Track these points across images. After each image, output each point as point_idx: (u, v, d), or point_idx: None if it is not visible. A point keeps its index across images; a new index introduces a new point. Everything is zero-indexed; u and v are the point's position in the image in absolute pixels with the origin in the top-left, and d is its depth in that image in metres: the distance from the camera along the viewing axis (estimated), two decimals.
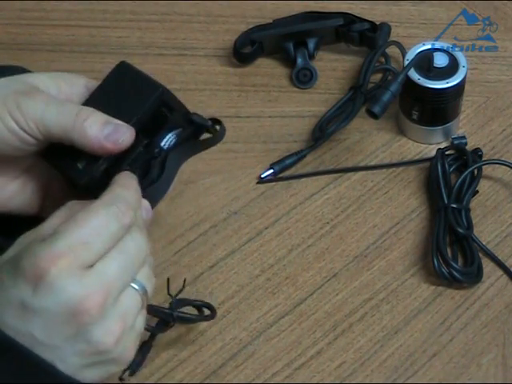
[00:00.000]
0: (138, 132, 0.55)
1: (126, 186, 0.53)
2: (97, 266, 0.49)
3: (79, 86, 0.58)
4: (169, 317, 0.60)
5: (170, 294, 0.61)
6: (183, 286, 0.62)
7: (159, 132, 0.57)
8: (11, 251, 0.50)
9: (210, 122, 0.59)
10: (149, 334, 0.60)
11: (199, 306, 0.62)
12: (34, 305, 0.47)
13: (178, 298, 0.61)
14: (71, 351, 0.48)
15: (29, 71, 0.61)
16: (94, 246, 0.49)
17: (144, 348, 0.60)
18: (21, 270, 0.48)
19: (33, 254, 0.48)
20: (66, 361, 0.49)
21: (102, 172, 0.55)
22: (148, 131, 0.56)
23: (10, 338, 0.47)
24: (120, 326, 0.49)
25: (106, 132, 0.53)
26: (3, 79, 0.56)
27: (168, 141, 0.58)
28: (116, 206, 0.51)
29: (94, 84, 0.58)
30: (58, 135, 0.54)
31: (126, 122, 0.55)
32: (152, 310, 0.58)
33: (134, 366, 0.59)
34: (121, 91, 0.57)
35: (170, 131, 0.58)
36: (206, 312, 0.62)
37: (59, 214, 0.51)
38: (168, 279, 0.61)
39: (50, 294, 0.47)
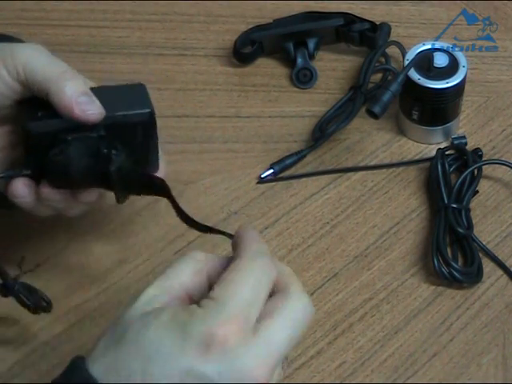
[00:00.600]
0: (105, 124, 0.57)
1: (255, 238, 0.50)
2: (262, 331, 0.46)
3: None
4: (10, 285, 0.59)
5: (20, 269, 0.61)
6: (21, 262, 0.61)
7: (120, 143, 0.58)
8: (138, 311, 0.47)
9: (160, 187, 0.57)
10: None
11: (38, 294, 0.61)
12: (206, 372, 0.44)
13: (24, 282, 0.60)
14: None
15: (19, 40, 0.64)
16: (256, 305, 0.47)
17: None
18: (191, 336, 0.45)
19: (203, 321, 0.45)
20: None
21: (54, 132, 0.56)
22: (114, 132, 0.57)
23: None
24: None
25: (80, 100, 0.56)
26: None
27: (117, 153, 0.57)
28: (261, 259, 0.48)
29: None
30: (39, 84, 0.56)
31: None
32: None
33: None
34: (117, 95, 0.59)
35: (124, 151, 0.57)
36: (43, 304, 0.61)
37: (188, 271, 0.49)
38: (23, 257, 0.62)
39: (223, 360, 0.45)
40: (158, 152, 0.61)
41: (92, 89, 0.58)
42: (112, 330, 0.47)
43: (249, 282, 0.47)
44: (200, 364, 0.44)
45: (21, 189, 0.58)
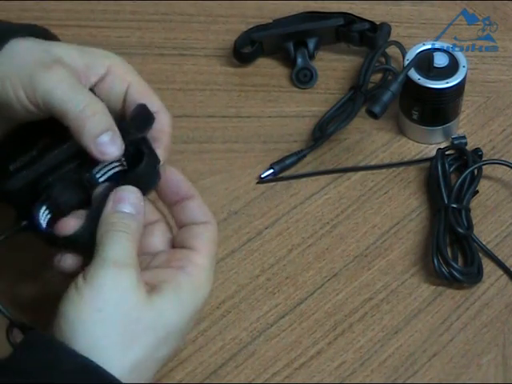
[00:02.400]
0: (78, 150, 0.55)
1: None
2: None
3: (101, 66, 0.59)
4: None
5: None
6: None
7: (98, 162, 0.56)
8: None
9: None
10: None
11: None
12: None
13: None
14: None
15: (53, 35, 0.62)
16: None
17: None
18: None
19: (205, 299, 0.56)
20: None
21: (30, 180, 0.55)
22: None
23: None
24: None
25: (100, 141, 0.54)
26: (29, 43, 0.57)
27: (103, 174, 0.56)
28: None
29: (117, 67, 0.59)
30: (59, 116, 0.54)
31: None
32: (25, 329, 0.56)
33: None
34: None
35: (108, 166, 0.56)
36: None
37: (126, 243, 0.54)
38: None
39: None
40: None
41: None
42: (123, 328, 0.51)
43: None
44: (192, 324, 0.56)
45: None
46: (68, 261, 0.55)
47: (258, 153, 0.76)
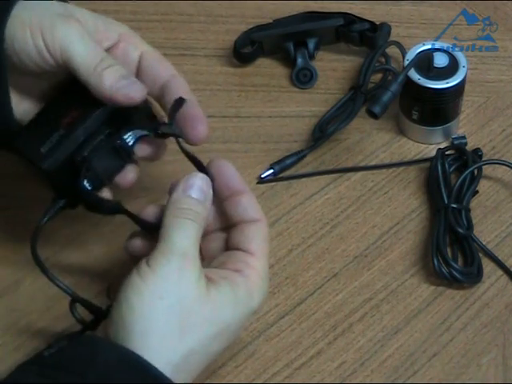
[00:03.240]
0: (103, 121, 0.57)
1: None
2: None
3: (114, 32, 0.60)
4: (103, 315, 0.59)
5: (108, 297, 0.60)
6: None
7: (124, 126, 0.58)
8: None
9: (176, 130, 0.58)
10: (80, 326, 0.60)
11: None
12: None
13: None
14: None
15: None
16: None
17: None
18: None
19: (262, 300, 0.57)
20: None
21: (65, 157, 0.56)
22: (113, 122, 0.57)
23: None
24: None
25: (120, 85, 0.56)
26: (51, 2, 0.58)
27: (130, 136, 0.58)
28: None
29: (130, 36, 0.60)
30: (75, 69, 0.56)
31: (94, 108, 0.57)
32: (87, 305, 0.58)
33: None
34: None
35: (134, 129, 0.58)
36: None
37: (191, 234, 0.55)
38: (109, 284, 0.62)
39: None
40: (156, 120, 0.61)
41: None
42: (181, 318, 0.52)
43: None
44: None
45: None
46: (137, 244, 0.58)
47: (257, 153, 0.76)
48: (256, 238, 0.57)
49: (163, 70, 0.61)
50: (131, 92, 0.56)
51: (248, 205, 0.58)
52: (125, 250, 0.59)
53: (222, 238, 0.59)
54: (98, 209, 0.59)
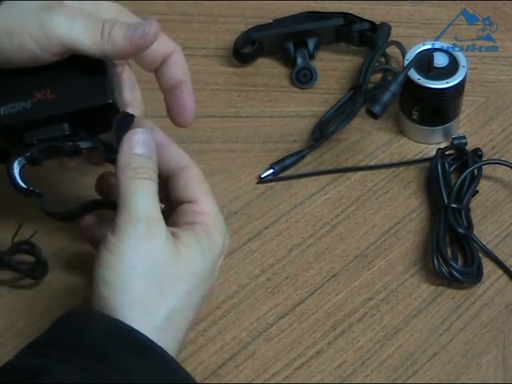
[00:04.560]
0: (69, 121, 0.57)
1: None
2: None
3: (108, 13, 0.58)
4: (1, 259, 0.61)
5: (12, 239, 0.63)
6: (17, 231, 0.64)
7: (84, 129, 0.58)
8: None
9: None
10: None
11: (38, 259, 0.65)
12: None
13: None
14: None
15: None
16: None
17: None
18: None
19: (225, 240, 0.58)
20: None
21: (16, 131, 0.57)
22: (77, 123, 0.58)
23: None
24: None
25: (131, 32, 0.55)
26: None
27: (83, 145, 0.58)
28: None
29: (122, 14, 0.59)
30: (85, 49, 0.55)
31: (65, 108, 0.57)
32: None
33: None
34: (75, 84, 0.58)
35: (88, 140, 0.58)
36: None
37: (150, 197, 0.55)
38: (20, 225, 0.64)
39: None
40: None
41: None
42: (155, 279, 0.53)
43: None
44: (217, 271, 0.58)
45: None
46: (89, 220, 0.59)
47: (257, 153, 0.76)
48: (191, 185, 0.57)
49: (161, 45, 0.61)
50: (145, 29, 0.55)
51: (170, 156, 0.58)
52: (78, 230, 0.60)
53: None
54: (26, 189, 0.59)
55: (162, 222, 0.53)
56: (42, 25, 0.54)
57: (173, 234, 0.54)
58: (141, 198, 0.53)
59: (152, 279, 0.52)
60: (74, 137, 0.58)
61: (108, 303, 0.51)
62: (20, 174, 0.57)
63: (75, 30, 0.54)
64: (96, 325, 0.50)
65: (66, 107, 0.57)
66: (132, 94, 0.62)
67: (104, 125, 0.59)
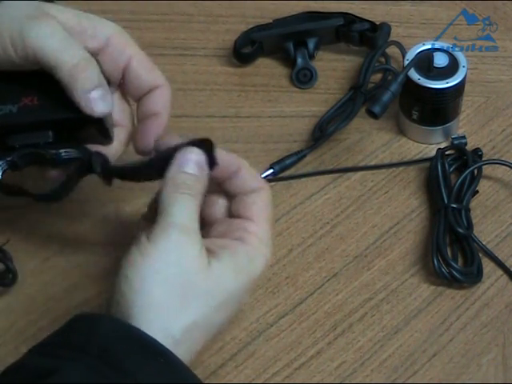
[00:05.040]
0: (53, 129, 0.57)
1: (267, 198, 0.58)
2: None
3: (101, 33, 0.60)
4: None
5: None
6: (5, 243, 0.64)
7: (66, 138, 0.58)
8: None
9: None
10: None
11: (7, 266, 0.64)
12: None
13: None
14: None
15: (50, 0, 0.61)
16: None
17: None
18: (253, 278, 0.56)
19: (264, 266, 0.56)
20: None
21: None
22: (61, 131, 0.58)
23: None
24: None
25: (92, 96, 0.56)
26: (21, 2, 0.57)
27: (67, 153, 0.58)
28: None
29: (119, 38, 0.59)
30: (50, 70, 0.55)
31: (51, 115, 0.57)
32: None
33: None
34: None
35: (72, 149, 0.58)
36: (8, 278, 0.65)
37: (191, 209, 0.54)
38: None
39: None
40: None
41: None
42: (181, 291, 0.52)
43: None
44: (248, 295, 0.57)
45: None
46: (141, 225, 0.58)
47: (257, 153, 0.76)
48: (255, 204, 0.57)
49: (148, 78, 0.61)
50: (97, 107, 0.56)
51: (246, 177, 0.57)
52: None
53: (224, 205, 0.59)
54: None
55: (197, 235, 0.53)
56: (21, 33, 0.54)
57: (210, 248, 0.54)
58: (179, 209, 0.53)
59: (174, 287, 0.52)
60: (58, 145, 0.58)
61: (126, 302, 0.51)
62: (1, 177, 0.57)
63: (51, 45, 0.55)
64: (105, 327, 0.50)
65: (51, 115, 0.57)
66: (122, 115, 0.62)
67: (91, 136, 0.59)
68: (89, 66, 0.56)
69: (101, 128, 0.58)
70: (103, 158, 0.58)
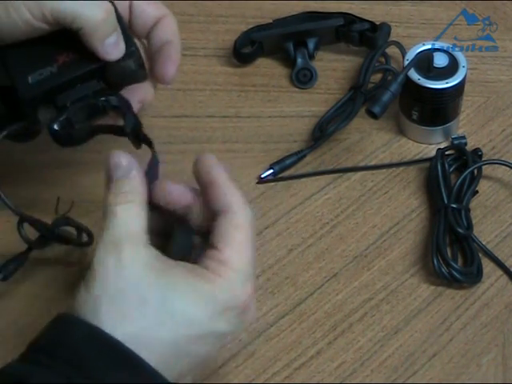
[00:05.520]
0: (101, 77, 0.58)
1: (234, 187, 0.55)
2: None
3: None
4: (49, 233, 0.61)
5: (56, 212, 0.62)
6: (70, 208, 0.64)
7: (111, 84, 0.59)
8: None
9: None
10: (26, 246, 0.62)
11: (79, 227, 0.64)
12: (227, 329, 0.52)
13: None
14: None
15: None
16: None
17: (19, 258, 0.63)
18: (218, 305, 0.51)
19: (227, 290, 0.52)
20: None
21: (48, 97, 0.57)
22: (103, 77, 0.58)
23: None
24: None
25: (108, 42, 0.57)
26: None
27: (115, 100, 0.59)
28: (250, 212, 0.54)
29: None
30: (70, 23, 0.56)
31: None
32: (34, 222, 0.60)
33: (7, 273, 0.62)
34: None
35: (119, 94, 0.59)
36: (85, 238, 0.65)
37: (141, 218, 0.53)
38: (58, 198, 0.64)
39: (241, 317, 0.53)
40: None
41: None
42: (125, 297, 0.50)
43: (250, 240, 0.53)
44: (223, 326, 0.52)
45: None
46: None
47: (257, 153, 0.76)
48: (218, 230, 0.53)
49: (153, 10, 0.62)
50: (113, 52, 0.57)
51: (214, 196, 0.54)
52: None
53: None
54: (70, 142, 0.59)
55: (139, 244, 0.51)
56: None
57: (171, 264, 0.52)
58: (113, 223, 0.52)
59: (115, 303, 0.50)
60: (103, 94, 0.58)
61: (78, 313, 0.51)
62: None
63: (65, 4, 0.56)
64: (77, 331, 0.49)
65: (92, 64, 0.58)
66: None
67: (129, 75, 0.59)
68: (107, 12, 0.57)
69: (137, 60, 0.59)
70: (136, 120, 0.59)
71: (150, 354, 0.49)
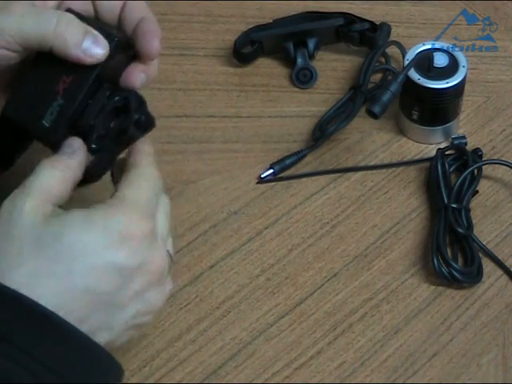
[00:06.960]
0: (102, 81, 0.57)
1: (150, 151, 0.58)
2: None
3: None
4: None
5: None
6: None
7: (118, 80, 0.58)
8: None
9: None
10: None
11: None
12: (126, 262, 0.52)
13: None
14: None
15: None
16: (154, 205, 0.56)
17: None
18: (111, 233, 0.52)
19: (120, 218, 0.53)
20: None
21: (70, 128, 0.56)
22: (107, 78, 0.57)
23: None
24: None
25: (85, 46, 0.55)
26: None
27: (130, 97, 0.58)
28: (155, 168, 0.57)
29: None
30: (38, 44, 0.55)
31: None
32: None
33: None
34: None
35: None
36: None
37: (55, 180, 0.54)
38: None
39: (138, 251, 0.53)
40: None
41: None
42: (20, 242, 0.51)
43: (151, 188, 0.55)
44: (121, 257, 0.52)
45: None
46: None
47: (257, 153, 0.76)
48: (123, 179, 0.56)
49: (131, 9, 0.61)
50: (95, 52, 0.56)
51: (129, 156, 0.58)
52: None
53: None
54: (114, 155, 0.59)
55: (33, 195, 0.52)
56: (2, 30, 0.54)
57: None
58: (36, 177, 0.53)
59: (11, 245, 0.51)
60: (115, 93, 0.57)
61: None
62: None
63: (26, 25, 0.55)
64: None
65: (89, 75, 0.56)
66: None
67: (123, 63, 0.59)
68: (68, 21, 0.56)
69: (125, 47, 0.58)
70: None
71: (46, 292, 0.50)
